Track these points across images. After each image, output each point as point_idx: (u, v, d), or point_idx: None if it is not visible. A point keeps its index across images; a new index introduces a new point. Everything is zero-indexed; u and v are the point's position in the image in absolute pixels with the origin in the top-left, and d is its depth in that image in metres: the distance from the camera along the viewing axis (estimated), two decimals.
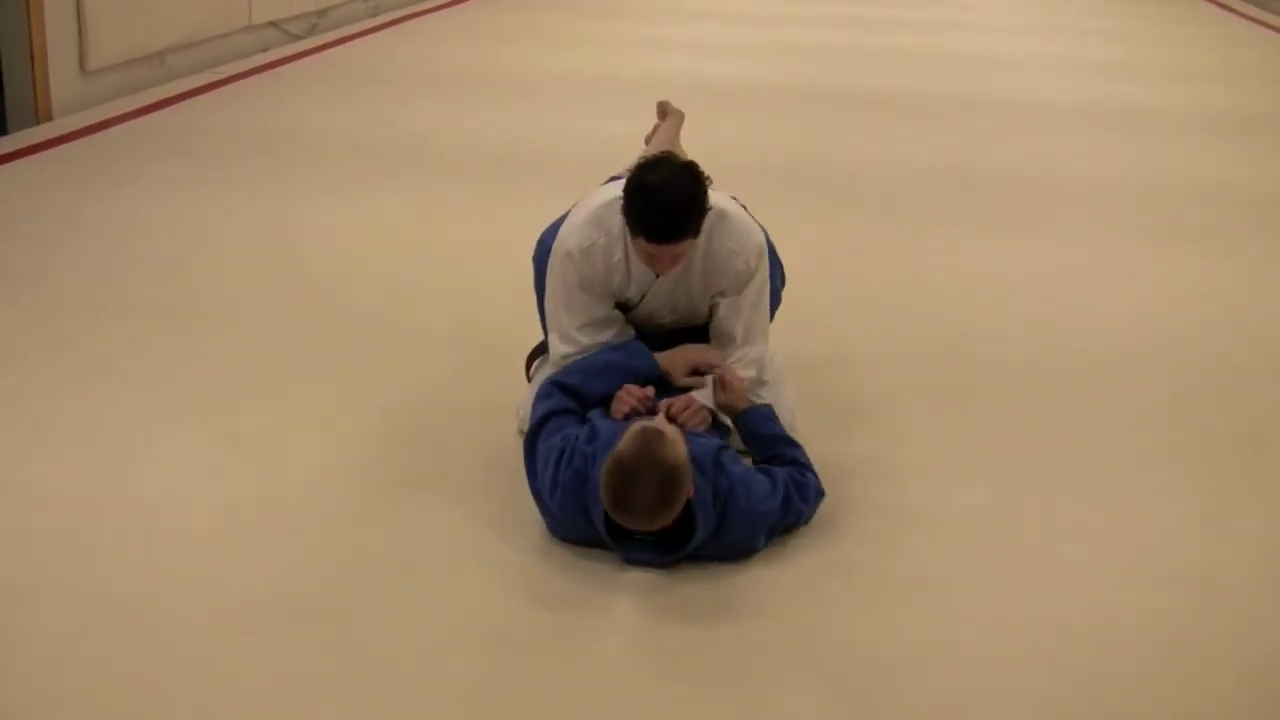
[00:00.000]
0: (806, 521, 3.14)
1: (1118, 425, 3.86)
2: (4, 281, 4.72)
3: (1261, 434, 3.83)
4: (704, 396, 3.31)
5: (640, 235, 3.17)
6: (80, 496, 3.25)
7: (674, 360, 3.39)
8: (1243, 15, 13.23)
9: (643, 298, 3.43)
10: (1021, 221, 5.89)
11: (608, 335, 3.39)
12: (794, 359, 3.84)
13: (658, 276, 3.34)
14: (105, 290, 4.64)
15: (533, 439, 3.15)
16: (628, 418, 3.13)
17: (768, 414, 3.31)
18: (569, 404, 3.22)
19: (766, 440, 3.27)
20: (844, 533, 3.18)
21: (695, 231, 3.19)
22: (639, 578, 2.94)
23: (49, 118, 7.02)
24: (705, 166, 3.26)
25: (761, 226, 3.49)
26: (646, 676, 2.64)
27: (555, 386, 3.26)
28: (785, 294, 3.72)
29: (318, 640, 2.71)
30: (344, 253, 5.15)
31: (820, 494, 3.19)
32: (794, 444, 3.27)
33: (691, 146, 4.36)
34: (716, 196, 3.31)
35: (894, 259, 5.30)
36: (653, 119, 4.73)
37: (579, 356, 3.34)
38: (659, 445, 2.82)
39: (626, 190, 3.18)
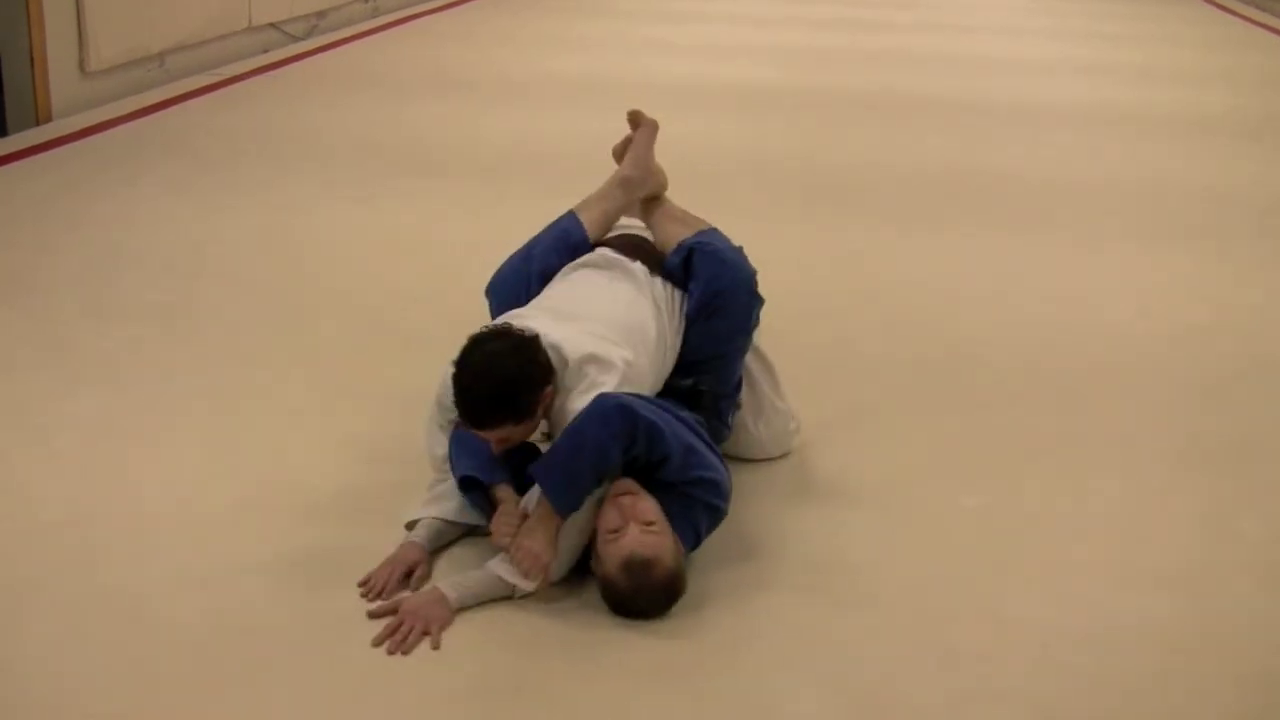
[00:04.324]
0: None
1: (1116, 427, 3.86)
2: (3, 283, 4.72)
3: (1259, 436, 3.83)
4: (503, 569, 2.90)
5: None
6: (80, 498, 3.25)
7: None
8: (1245, 18, 13.24)
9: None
10: (1021, 223, 5.89)
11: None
12: (793, 360, 3.84)
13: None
14: (105, 291, 4.64)
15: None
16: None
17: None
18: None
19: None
20: (844, 534, 3.19)
21: (514, 419, 2.91)
22: None
23: (49, 119, 7.03)
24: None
25: (749, 262, 3.35)
26: (646, 678, 2.64)
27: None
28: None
29: (317, 641, 2.71)
30: (344, 254, 5.15)
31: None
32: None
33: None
34: (613, 354, 3.03)
35: (893, 260, 5.30)
36: (654, 121, 4.70)
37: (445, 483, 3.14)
38: (648, 573, 2.77)
39: (455, 363, 2.96)
